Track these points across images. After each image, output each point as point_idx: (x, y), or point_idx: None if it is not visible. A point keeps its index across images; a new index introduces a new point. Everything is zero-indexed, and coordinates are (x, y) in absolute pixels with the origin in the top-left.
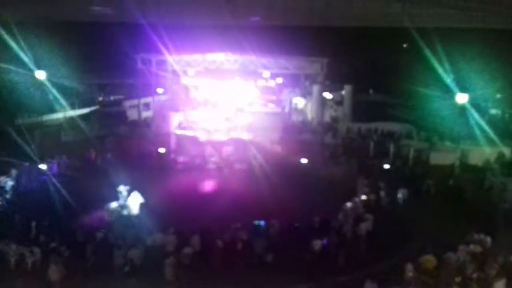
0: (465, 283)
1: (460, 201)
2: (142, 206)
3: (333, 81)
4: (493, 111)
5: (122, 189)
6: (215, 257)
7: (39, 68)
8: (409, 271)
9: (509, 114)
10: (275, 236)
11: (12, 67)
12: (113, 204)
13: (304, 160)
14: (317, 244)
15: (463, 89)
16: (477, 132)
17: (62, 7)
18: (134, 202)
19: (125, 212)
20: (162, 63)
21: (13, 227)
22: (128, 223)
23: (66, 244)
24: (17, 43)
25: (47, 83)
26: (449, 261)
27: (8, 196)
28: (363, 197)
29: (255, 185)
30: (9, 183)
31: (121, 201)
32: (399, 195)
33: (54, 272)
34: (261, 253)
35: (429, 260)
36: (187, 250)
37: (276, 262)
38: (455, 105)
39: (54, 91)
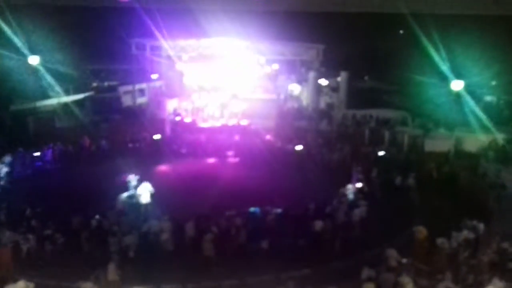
0: (458, 269)
1: (454, 187)
2: (152, 195)
3: (329, 67)
4: (488, 98)
5: (132, 178)
6: (210, 243)
7: (32, 53)
8: (392, 258)
9: (504, 101)
10: (271, 223)
11: (5, 52)
12: (124, 194)
13: (299, 147)
14: (318, 224)
15: (458, 76)
16: (472, 119)
17: None
18: (144, 191)
19: (135, 201)
20: (156, 49)
21: (7, 214)
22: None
23: (61, 231)
24: (10, 27)
25: (41, 68)
26: (443, 247)
27: (1, 182)
28: (358, 183)
29: (250, 172)
30: (3, 169)
31: (131, 191)
32: (395, 182)
33: None
34: (256, 240)
35: (421, 231)
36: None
37: (272, 249)
38: (450, 92)
39: (48, 76)
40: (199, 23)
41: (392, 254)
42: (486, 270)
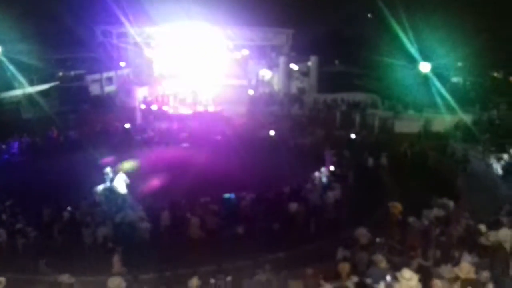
0: (429, 246)
1: (424, 167)
2: (128, 186)
3: (299, 52)
4: (455, 79)
5: (108, 170)
6: (186, 231)
7: None
8: (363, 236)
9: (470, 82)
10: (245, 208)
11: None
12: (100, 186)
13: (271, 132)
14: (293, 206)
15: (426, 58)
16: (440, 100)
17: None
18: (120, 182)
19: (112, 193)
20: (123, 36)
21: None
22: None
23: (33, 224)
24: None
25: (3, 59)
26: (414, 225)
27: None
28: (331, 166)
29: (224, 159)
30: None
31: (107, 183)
32: (367, 163)
33: None
34: (231, 225)
35: (395, 206)
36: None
37: (247, 234)
38: (418, 74)
39: (11, 67)
40: (166, 9)
41: (362, 232)
42: (456, 247)
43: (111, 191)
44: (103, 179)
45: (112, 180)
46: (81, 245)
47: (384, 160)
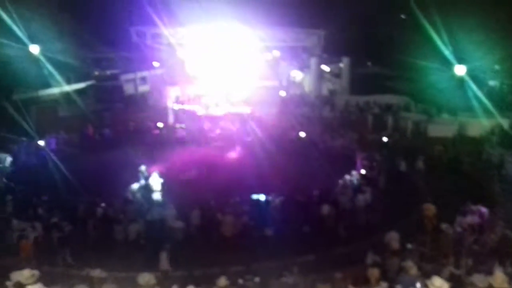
0: (462, 254)
1: (458, 173)
2: (162, 185)
3: (330, 53)
4: (492, 83)
5: (143, 169)
6: (216, 230)
7: (33, 42)
8: (394, 240)
9: (507, 86)
10: (275, 210)
11: (6, 42)
12: (135, 185)
13: (302, 134)
14: (325, 209)
15: (461, 61)
16: (475, 103)
17: None
18: (155, 182)
19: (146, 192)
20: (157, 36)
21: (13, 203)
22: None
23: (68, 219)
24: (11, 17)
25: (41, 57)
26: (447, 232)
27: (7, 172)
28: (362, 170)
29: (254, 160)
30: (8, 159)
31: (142, 181)
32: (399, 167)
33: None
34: (261, 226)
35: (429, 208)
36: (179, 224)
37: (276, 236)
38: (453, 77)
39: (49, 66)
40: (199, 9)
41: (393, 237)
42: (489, 255)
43: (145, 189)
44: (138, 177)
45: (146, 178)
46: (114, 241)
47: (420, 164)
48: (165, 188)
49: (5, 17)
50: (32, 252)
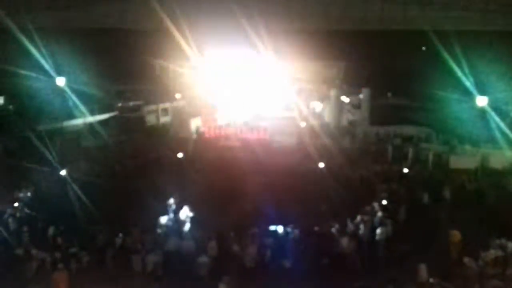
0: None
1: (482, 205)
2: (192, 220)
3: (350, 84)
4: None
5: (172, 202)
6: (232, 262)
7: (59, 74)
8: (423, 271)
9: None
10: (293, 241)
11: (33, 74)
12: (163, 219)
13: (321, 165)
14: (344, 241)
15: (482, 92)
16: (498, 135)
17: (80, 14)
18: (185, 216)
19: (176, 225)
20: (179, 68)
21: (34, 232)
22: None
23: (86, 249)
24: (38, 49)
25: (67, 89)
26: (469, 266)
27: (29, 201)
28: (382, 201)
29: (273, 190)
30: (30, 188)
31: (171, 215)
32: (421, 200)
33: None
34: (279, 258)
35: (455, 234)
36: (203, 259)
37: (294, 268)
38: (474, 108)
39: (74, 97)
40: (221, 43)
41: (423, 268)
42: None
43: (174, 222)
44: (166, 210)
45: (175, 211)
46: (132, 271)
47: (447, 195)
48: (193, 220)
49: (33, 50)
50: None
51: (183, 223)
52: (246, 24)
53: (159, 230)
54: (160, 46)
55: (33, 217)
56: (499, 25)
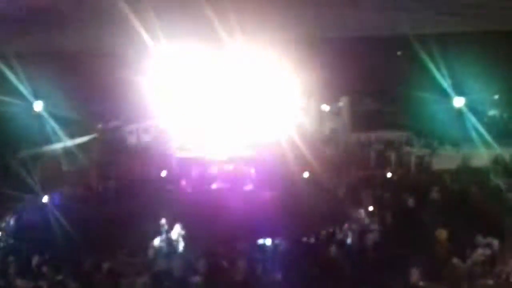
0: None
1: (466, 205)
2: (184, 238)
3: (329, 93)
4: (492, 112)
5: (163, 222)
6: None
7: (36, 99)
8: (415, 275)
9: (508, 114)
10: (282, 253)
11: (10, 99)
12: (156, 240)
13: (305, 174)
14: (333, 250)
15: (459, 93)
16: (477, 134)
17: (57, 38)
18: (177, 235)
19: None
20: (159, 87)
21: (18, 262)
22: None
23: (73, 275)
24: (13, 74)
25: (45, 113)
26: (458, 266)
27: (11, 230)
28: (368, 207)
29: (258, 203)
30: (13, 217)
31: (163, 236)
32: (405, 203)
33: None
34: (269, 271)
35: (441, 232)
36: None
37: (285, 280)
38: (452, 109)
39: (52, 121)
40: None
41: (414, 272)
42: None
43: (167, 243)
44: (154, 230)
45: (167, 231)
46: None
47: (434, 195)
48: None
49: (10, 75)
50: None
51: (172, 242)
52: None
53: (148, 251)
54: (137, 65)
55: (16, 246)
56: (472, 27)
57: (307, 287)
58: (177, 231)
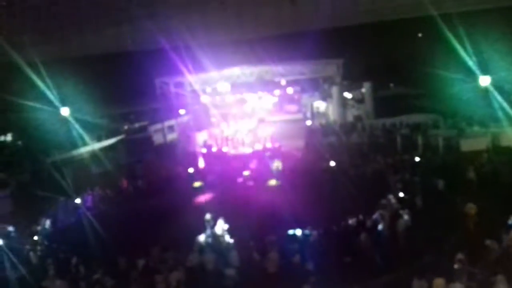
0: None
1: (497, 185)
2: (229, 232)
3: (351, 80)
4: None
5: (208, 217)
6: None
7: (63, 105)
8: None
9: None
10: (312, 243)
11: (39, 106)
12: (202, 236)
13: (332, 163)
14: (363, 237)
15: (484, 72)
16: (503, 113)
17: (75, 44)
18: (221, 230)
19: (215, 241)
20: (180, 85)
21: (55, 263)
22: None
23: (109, 274)
24: (41, 81)
25: (72, 118)
26: (492, 248)
27: (47, 233)
28: (398, 193)
29: (286, 194)
30: (48, 220)
31: (208, 231)
32: (436, 187)
33: None
34: (301, 261)
35: (471, 207)
36: (230, 271)
37: (317, 269)
38: (478, 88)
39: (80, 126)
40: (218, 55)
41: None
42: None
43: (213, 238)
44: (204, 227)
45: (212, 227)
46: None
47: (471, 175)
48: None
49: (36, 83)
50: None
51: (218, 237)
52: (240, 34)
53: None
54: (160, 64)
55: (54, 248)
56: (494, 3)
57: (339, 276)
58: (220, 226)
